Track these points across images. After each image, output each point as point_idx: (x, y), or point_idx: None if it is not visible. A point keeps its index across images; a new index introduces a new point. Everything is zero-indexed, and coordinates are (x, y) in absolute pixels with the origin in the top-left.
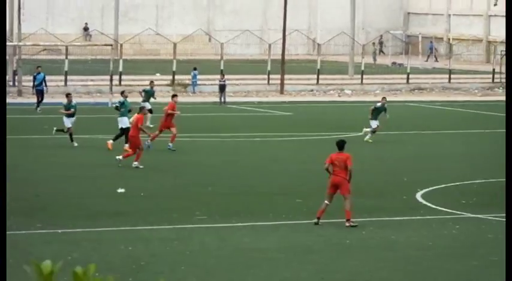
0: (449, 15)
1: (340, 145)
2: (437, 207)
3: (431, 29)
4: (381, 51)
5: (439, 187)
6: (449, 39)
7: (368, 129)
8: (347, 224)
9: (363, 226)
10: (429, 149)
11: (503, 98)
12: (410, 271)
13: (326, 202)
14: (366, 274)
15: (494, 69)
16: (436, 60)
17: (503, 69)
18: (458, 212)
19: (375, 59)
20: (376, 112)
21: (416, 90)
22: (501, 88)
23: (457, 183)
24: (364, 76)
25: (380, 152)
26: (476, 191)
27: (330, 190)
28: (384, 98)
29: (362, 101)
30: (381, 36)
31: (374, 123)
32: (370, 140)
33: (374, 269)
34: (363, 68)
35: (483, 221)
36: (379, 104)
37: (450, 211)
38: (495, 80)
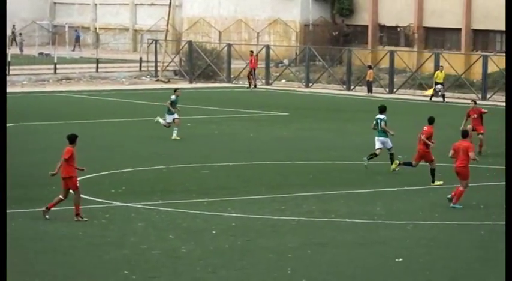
0: (96, 4)
1: (71, 138)
2: (88, 197)
3: (78, 19)
4: (13, 41)
5: (89, 176)
6: (96, 28)
7: (162, 121)
8: (76, 218)
9: (12, 218)
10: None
11: (151, 86)
12: (60, 262)
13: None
14: (22, 265)
15: (141, 58)
16: (78, 50)
17: (151, 58)
18: (108, 202)
19: (21, 50)
20: (173, 106)
21: (64, 80)
22: (148, 77)
23: (106, 172)
24: (11, 67)
25: (24, 143)
26: (125, 179)
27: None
28: (178, 89)
29: (8, 92)
30: (14, 26)
31: (170, 118)
32: (178, 138)
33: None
34: (9, 59)
35: (132, 210)
36: (174, 97)
37: (100, 200)
38: (142, 69)
